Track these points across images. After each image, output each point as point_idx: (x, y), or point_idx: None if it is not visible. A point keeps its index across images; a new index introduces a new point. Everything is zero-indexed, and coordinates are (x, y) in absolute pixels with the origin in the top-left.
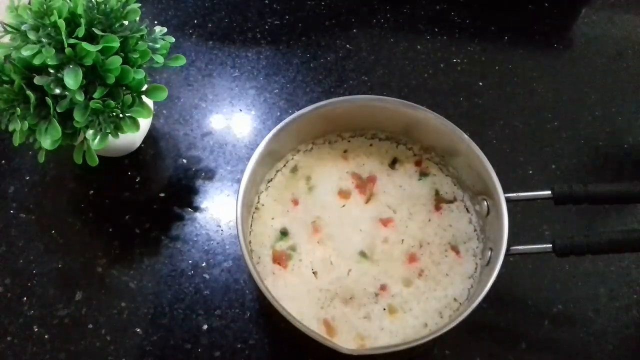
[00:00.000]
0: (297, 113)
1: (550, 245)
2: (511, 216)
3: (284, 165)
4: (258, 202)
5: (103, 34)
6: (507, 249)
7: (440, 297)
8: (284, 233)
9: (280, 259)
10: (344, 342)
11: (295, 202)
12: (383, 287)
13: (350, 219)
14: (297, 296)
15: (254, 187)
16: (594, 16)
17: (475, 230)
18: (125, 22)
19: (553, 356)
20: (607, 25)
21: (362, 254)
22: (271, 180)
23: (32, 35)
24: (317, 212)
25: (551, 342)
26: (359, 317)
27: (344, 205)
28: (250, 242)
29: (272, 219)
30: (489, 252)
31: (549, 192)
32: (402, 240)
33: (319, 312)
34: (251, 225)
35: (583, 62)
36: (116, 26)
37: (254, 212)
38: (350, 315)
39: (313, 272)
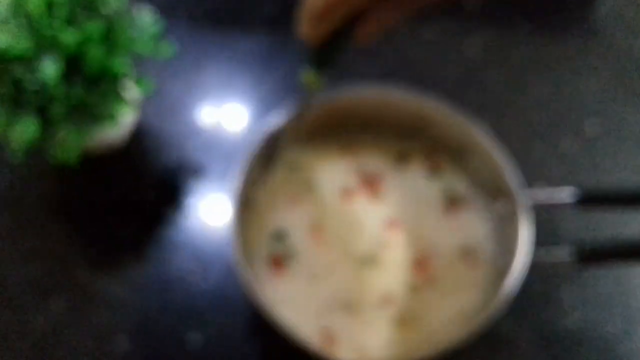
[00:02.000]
0: (296, 107)
1: (573, 251)
2: (530, 219)
3: (282, 162)
4: (254, 201)
5: (85, 20)
6: (525, 256)
7: (450, 307)
8: (281, 235)
9: (277, 263)
10: (344, 353)
11: (294, 201)
12: (388, 295)
13: (353, 221)
14: (294, 303)
15: (250, 185)
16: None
17: (489, 234)
18: (110, 8)
19: None
20: (632, 12)
21: (366, 259)
22: (268, 178)
23: (8, 24)
24: (317, 212)
25: (571, 355)
26: (361, 326)
27: (347, 206)
28: (244, 244)
29: (269, 219)
30: (505, 258)
31: (572, 192)
32: (410, 244)
33: (317, 320)
34: (247, 227)
35: (607, 50)
36: (99, 11)
37: (249, 213)
38: (352, 325)
39: (312, 278)
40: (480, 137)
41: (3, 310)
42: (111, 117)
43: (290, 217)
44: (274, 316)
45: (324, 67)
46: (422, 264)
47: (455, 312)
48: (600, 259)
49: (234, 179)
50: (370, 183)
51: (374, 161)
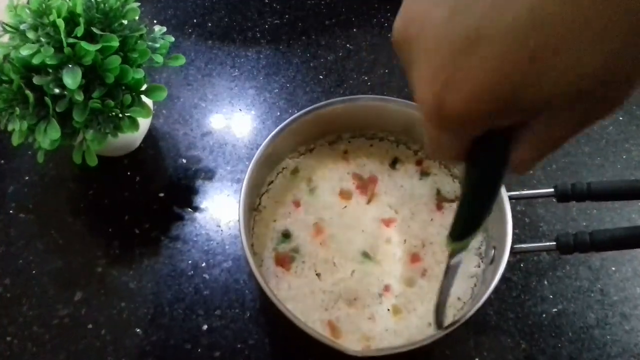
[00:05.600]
0: (296, 114)
1: (554, 243)
2: (514, 214)
3: (285, 167)
4: (259, 204)
5: (102, 33)
6: (511, 247)
7: None
8: (286, 235)
9: (283, 261)
10: (349, 343)
11: (297, 203)
12: (387, 288)
13: (352, 220)
14: (300, 298)
15: (255, 189)
16: None
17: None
18: (125, 22)
19: (553, 357)
20: None
21: (365, 255)
22: (272, 182)
23: (31, 35)
24: (319, 213)
25: (551, 342)
26: (364, 318)
27: (345, 206)
28: (252, 244)
29: (274, 221)
30: (493, 251)
31: (552, 189)
32: (405, 240)
33: (323, 313)
34: (253, 228)
35: None
36: (115, 25)
37: (255, 215)
38: (355, 316)
39: (316, 274)
40: None
41: (28, 302)
42: (128, 122)
43: (293, 218)
44: (285, 311)
45: (472, 228)
46: (416, 258)
47: (448, 301)
48: (580, 249)
49: (240, 180)
50: (366, 184)
51: (370, 165)
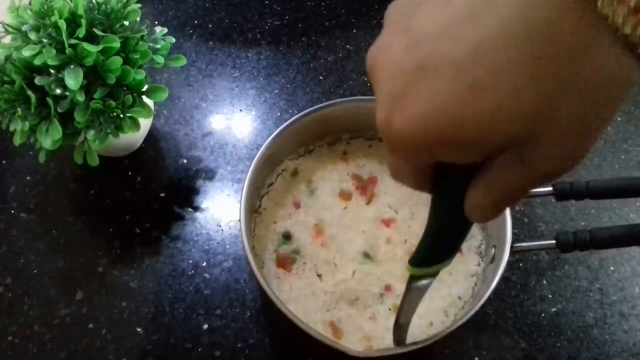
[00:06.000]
0: (297, 115)
1: (554, 242)
2: (513, 213)
3: (284, 169)
4: (259, 206)
5: (104, 34)
6: (511, 246)
7: (444, 296)
8: (286, 236)
9: (284, 263)
10: (351, 343)
11: (297, 205)
12: (388, 288)
13: (352, 221)
14: (302, 299)
15: (255, 191)
16: None
17: (477, 228)
18: (126, 23)
19: (552, 356)
20: None
21: (366, 255)
22: (272, 184)
23: (32, 36)
24: (319, 214)
25: (550, 341)
26: (365, 318)
27: (345, 207)
28: (253, 246)
29: (275, 222)
30: (493, 250)
31: (550, 188)
32: (405, 240)
33: (325, 314)
34: (254, 230)
35: None
36: (117, 27)
37: (255, 217)
38: (356, 317)
39: (317, 275)
40: None
41: (30, 301)
42: (129, 122)
43: (294, 220)
44: (287, 313)
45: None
46: None
47: (449, 300)
48: (580, 247)
49: (241, 180)
50: (366, 185)
51: (369, 165)
